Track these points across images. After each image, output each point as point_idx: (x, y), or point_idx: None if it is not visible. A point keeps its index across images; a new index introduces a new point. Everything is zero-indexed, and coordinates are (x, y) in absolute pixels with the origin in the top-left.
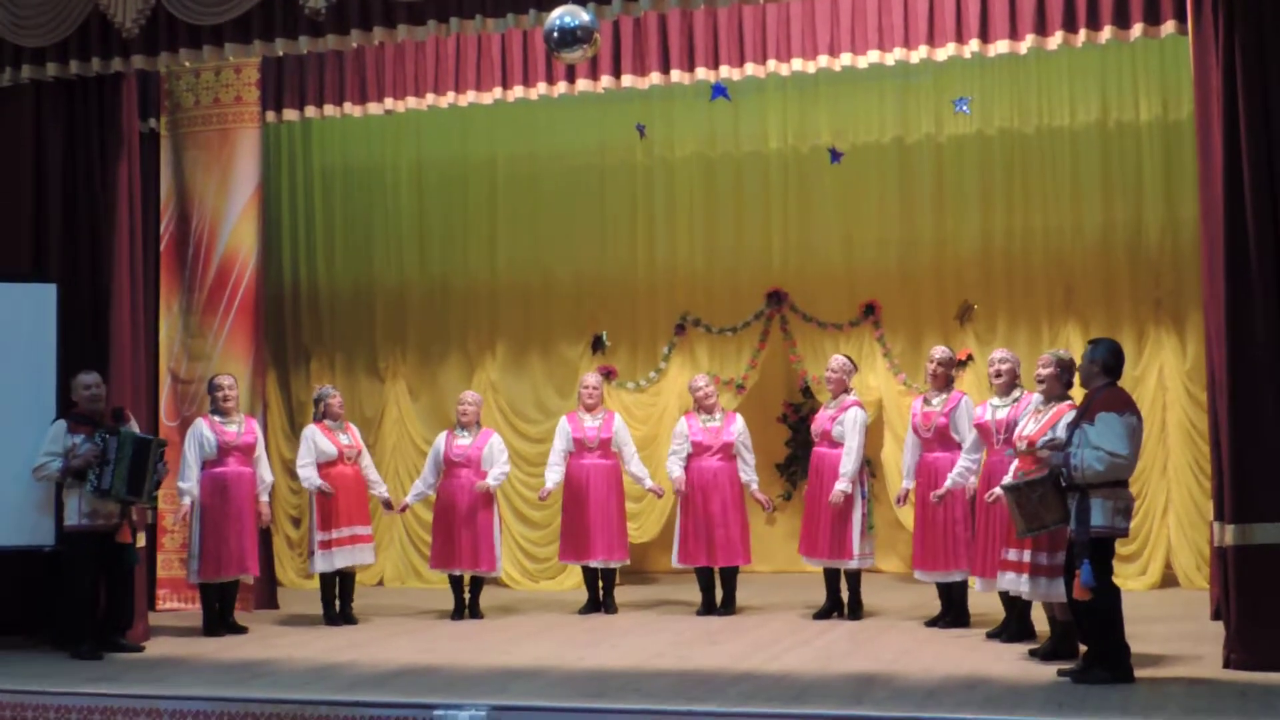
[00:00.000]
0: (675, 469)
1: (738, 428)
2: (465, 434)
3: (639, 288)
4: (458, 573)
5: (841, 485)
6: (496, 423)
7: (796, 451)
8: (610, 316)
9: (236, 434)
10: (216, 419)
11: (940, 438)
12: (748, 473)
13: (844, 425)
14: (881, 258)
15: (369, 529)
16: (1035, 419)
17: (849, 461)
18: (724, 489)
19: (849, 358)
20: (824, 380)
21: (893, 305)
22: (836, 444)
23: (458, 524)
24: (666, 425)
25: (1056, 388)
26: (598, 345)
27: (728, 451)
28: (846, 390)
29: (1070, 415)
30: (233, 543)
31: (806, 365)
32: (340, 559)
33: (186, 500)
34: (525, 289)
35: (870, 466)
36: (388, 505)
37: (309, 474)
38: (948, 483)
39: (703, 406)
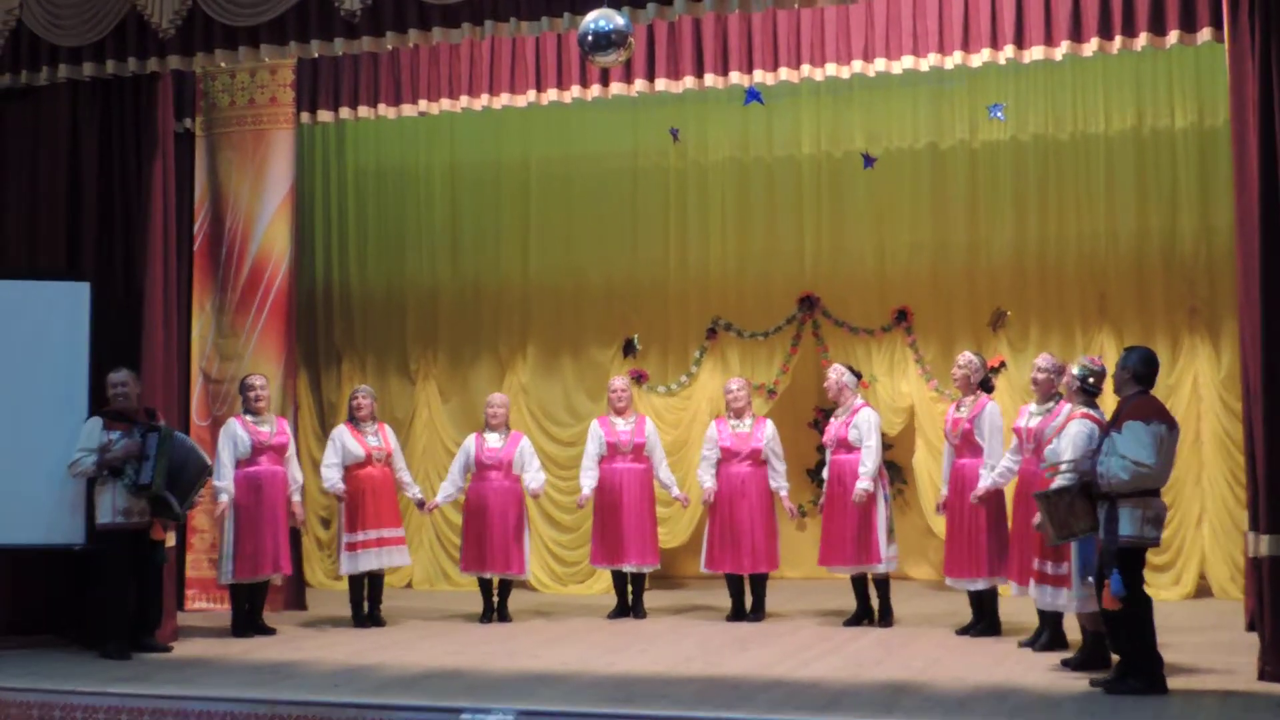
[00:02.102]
0: (706, 478)
1: (767, 433)
2: (496, 436)
3: (670, 291)
4: (488, 575)
5: (863, 484)
6: (527, 426)
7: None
8: (641, 320)
9: (269, 434)
10: (249, 419)
11: (967, 443)
12: (777, 479)
13: (859, 428)
14: (914, 263)
15: (399, 531)
16: (1031, 419)
17: (869, 459)
18: (752, 495)
19: (849, 367)
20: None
21: (925, 311)
22: (854, 448)
23: (490, 526)
24: (697, 430)
25: (1049, 390)
26: (629, 349)
27: (756, 457)
28: (852, 396)
29: (1080, 425)
30: (268, 541)
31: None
32: (366, 561)
33: (224, 498)
34: (556, 292)
35: (900, 472)
36: (420, 505)
37: (331, 475)
38: (985, 482)
39: (733, 410)
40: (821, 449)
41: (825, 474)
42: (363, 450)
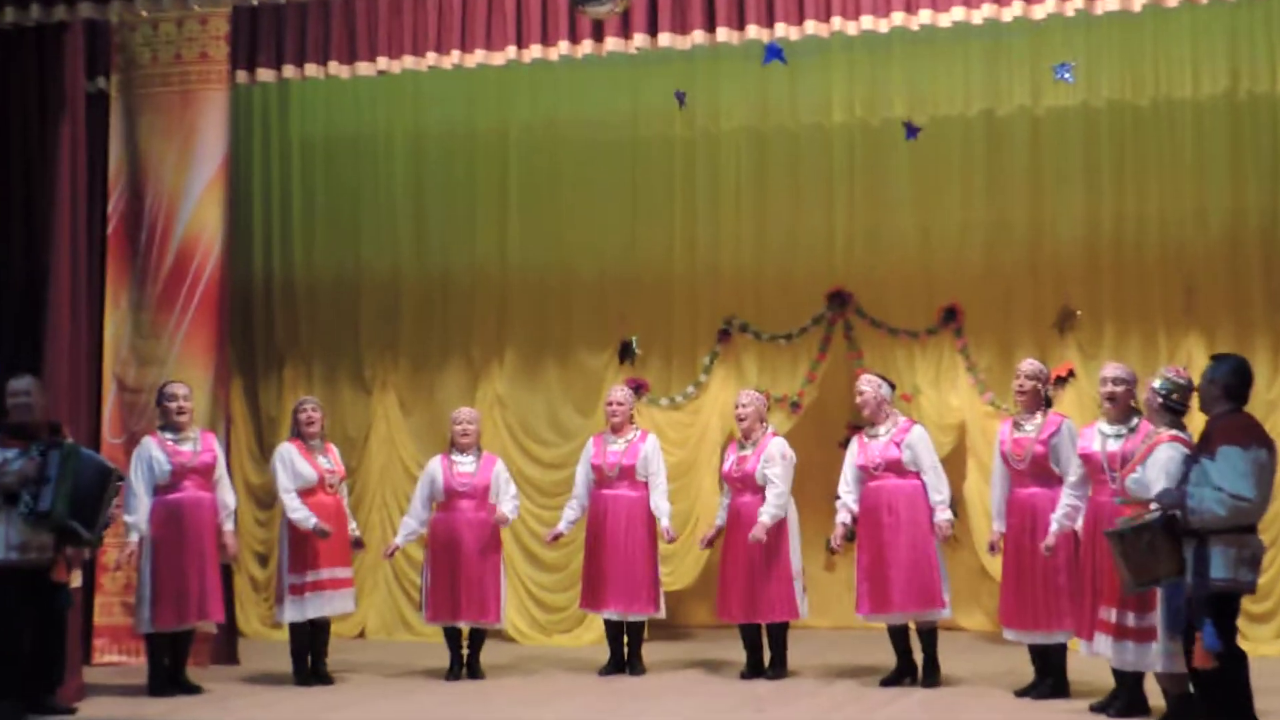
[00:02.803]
0: (721, 514)
1: (764, 453)
2: (467, 459)
3: (676, 286)
4: (458, 625)
5: (947, 514)
6: (504, 445)
7: None
8: (642, 319)
9: (192, 453)
10: (168, 436)
11: (1037, 470)
12: (764, 506)
13: (914, 448)
14: (965, 252)
15: (350, 571)
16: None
17: (941, 484)
18: (748, 525)
19: (882, 376)
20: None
21: (979, 309)
22: (906, 472)
23: (461, 566)
24: (707, 450)
25: (1126, 406)
26: (626, 353)
27: (754, 485)
28: (890, 411)
29: (1171, 450)
30: (194, 582)
31: None
32: (315, 607)
33: (135, 536)
34: (541, 285)
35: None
36: (358, 544)
37: (296, 505)
38: (1053, 527)
39: (741, 428)
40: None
41: (848, 504)
42: (314, 473)
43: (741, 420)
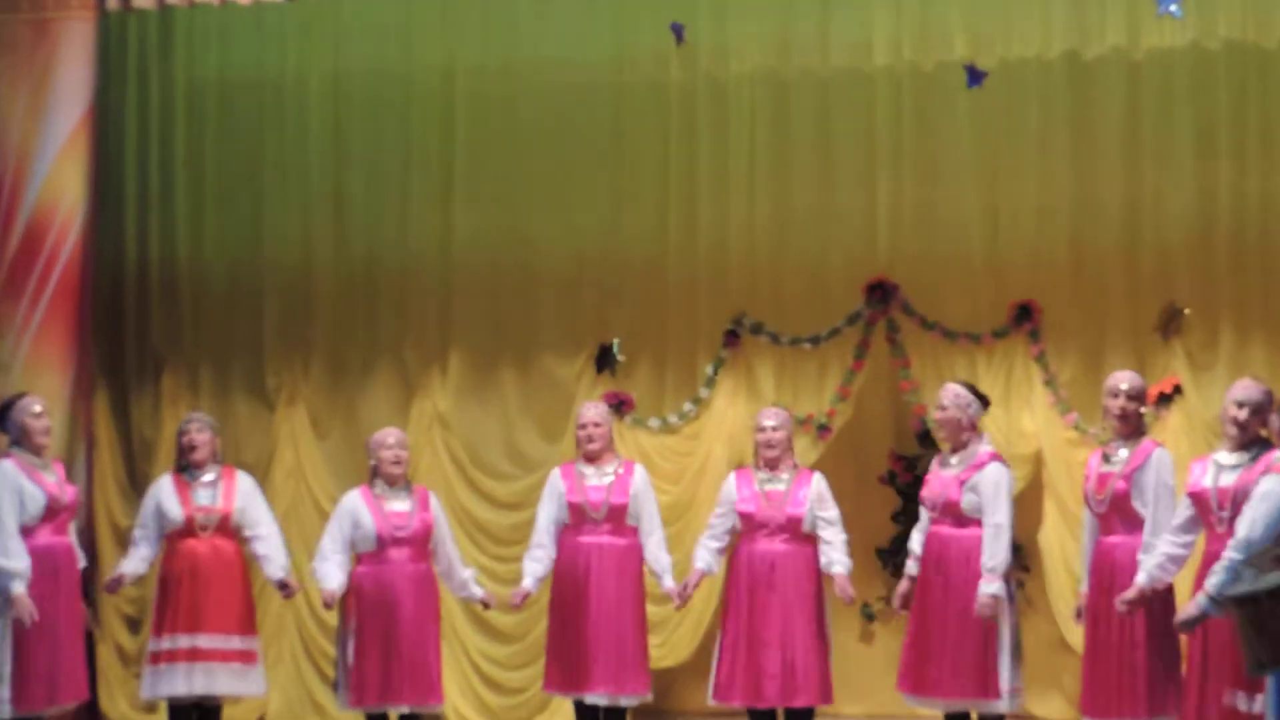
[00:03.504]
0: (704, 557)
1: (812, 493)
2: (399, 496)
3: (671, 274)
4: (404, 710)
5: (992, 589)
6: (446, 476)
7: (909, 531)
8: (626, 317)
9: (58, 486)
10: (31, 461)
11: (1119, 513)
12: (831, 553)
13: (979, 491)
14: (1044, 234)
15: (250, 641)
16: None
17: (998, 547)
18: (790, 587)
19: (971, 386)
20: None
21: (1060, 307)
22: (967, 521)
23: (399, 634)
24: (709, 486)
25: (1254, 432)
26: (606, 361)
27: (797, 529)
28: (974, 436)
29: (1272, 483)
30: (66, 652)
31: (926, 396)
32: (172, 682)
33: (19, 587)
34: (495, 273)
35: (1020, 554)
36: (284, 589)
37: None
38: (1140, 579)
39: (765, 459)
40: (899, 518)
41: (914, 550)
42: (180, 513)
43: (770, 448)
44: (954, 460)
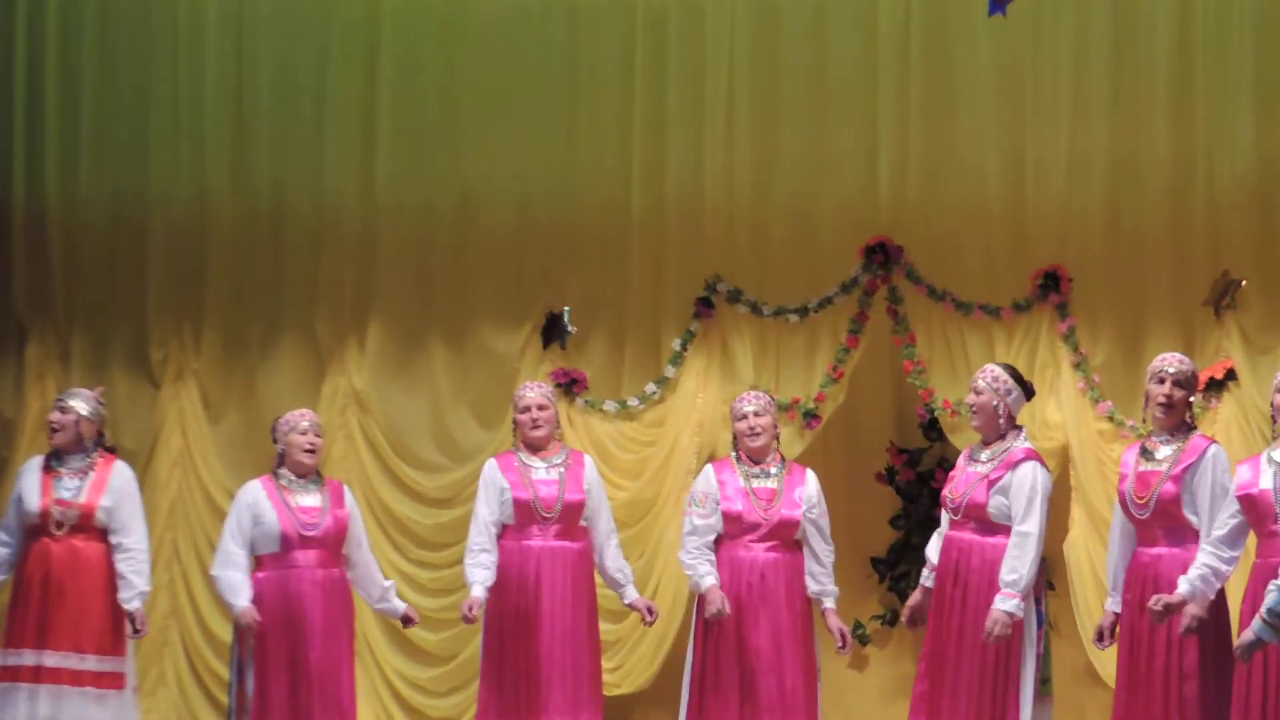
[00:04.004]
0: (698, 567)
1: (809, 493)
2: (308, 489)
3: (633, 232)
4: None
5: (1007, 605)
6: (363, 467)
7: (910, 537)
8: (579, 281)
9: None
10: None
11: (1164, 519)
12: (818, 580)
13: (1010, 494)
14: (1076, 190)
15: (112, 662)
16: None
17: (1022, 559)
18: (778, 602)
19: (1013, 370)
20: (964, 408)
21: (1094, 276)
22: (993, 528)
23: (307, 652)
24: (674, 482)
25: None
26: (554, 331)
27: (788, 535)
28: (1011, 427)
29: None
30: None
31: (933, 379)
32: (28, 705)
33: None
34: (424, 225)
35: (1043, 567)
36: (132, 623)
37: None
38: (1182, 587)
39: (748, 449)
40: (899, 523)
41: (931, 559)
42: (36, 504)
43: (755, 436)
44: (984, 456)
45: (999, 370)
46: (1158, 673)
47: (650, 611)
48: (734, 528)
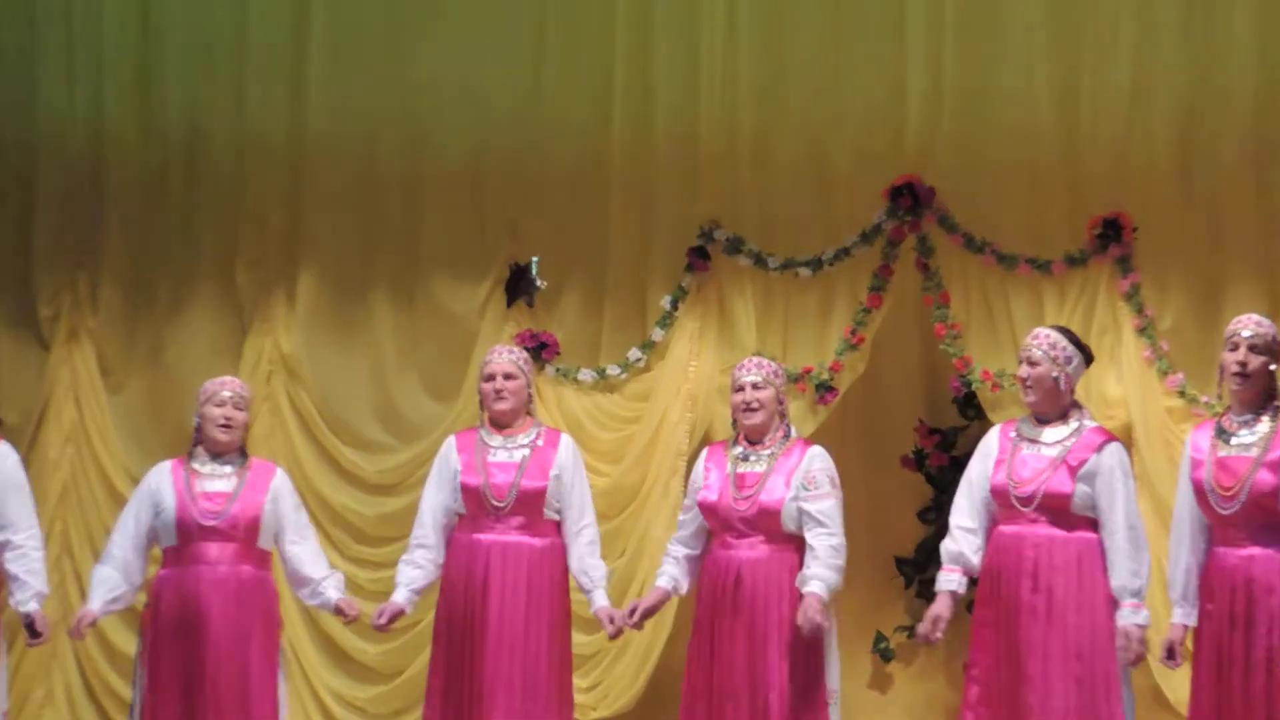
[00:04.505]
0: (669, 570)
1: (799, 473)
2: (221, 469)
3: (614, 168)
4: None
5: (1140, 618)
6: (292, 446)
7: (943, 534)
8: (550, 228)
9: None
10: None
11: (1259, 514)
12: (812, 563)
13: (1097, 482)
14: (1142, 124)
15: None
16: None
17: (1141, 562)
18: (762, 612)
19: (1071, 334)
20: (1009, 380)
21: (1161, 224)
22: (1076, 521)
23: (206, 659)
24: (661, 465)
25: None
26: (520, 286)
27: (774, 528)
28: (1073, 405)
29: None
30: None
31: (971, 346)
32: None
33: None
34: (364, 158)
35: None
36: (31, 628)
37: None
38: None
39: (744, 428)
40: (929, 516)
41: (965, 557)
42: None
43: (749, 412)
44: (1047, 437)
45: (1055, 335)
46: (1256, 697)
47: (612, 621)
48: (712, 522)
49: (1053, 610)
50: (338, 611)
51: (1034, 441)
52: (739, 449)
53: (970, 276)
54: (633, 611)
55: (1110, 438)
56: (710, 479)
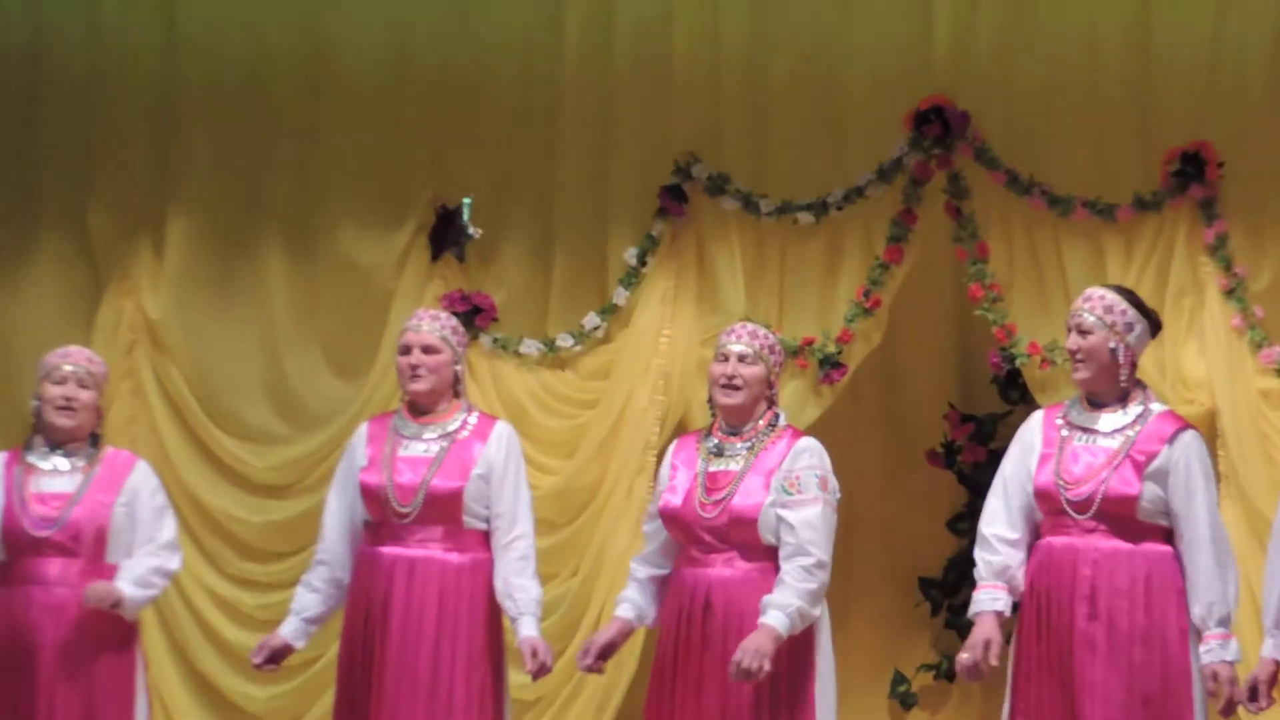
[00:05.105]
0: (630, 595)
1: (781, 471)
2: (62, 464)
3: (565, 85)
4: None
5: (1229, 653)
6: (158, 433)
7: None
8: (485, 160)
9: None
10: None
11: None
12: (777, 590)
13: (1170, 482)
14: (1229, 31)
15: None
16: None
17: (1228, 582)
18: (734, 642)
19: (1131, 294)
20: (1060, 354)
21: (1254, 157)
22: (1143, 530)
23: (42, 711)
24: (625, 461)
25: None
26: (448, 232)
27: (750, 540)
28: (1135, 384)
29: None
30: None
31: (1015, 311)
32: None
33: None
34: (253, 76)
35: None
36: None
37: None
38: None
39: (720, 409)
40: (960, 526)
41: (1008, 571)
42: None
43: (729, 390)
44: (1105, 425)
45: (1111, 296)
46: None
47: (535, 656)
48: (676, 532)
49: (1115, 643)
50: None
51: (1088, 431)
52: (713, 441)
53: (1014, 224)
54: (586, 651)
55: (1184, 425)
56: (677, 479)
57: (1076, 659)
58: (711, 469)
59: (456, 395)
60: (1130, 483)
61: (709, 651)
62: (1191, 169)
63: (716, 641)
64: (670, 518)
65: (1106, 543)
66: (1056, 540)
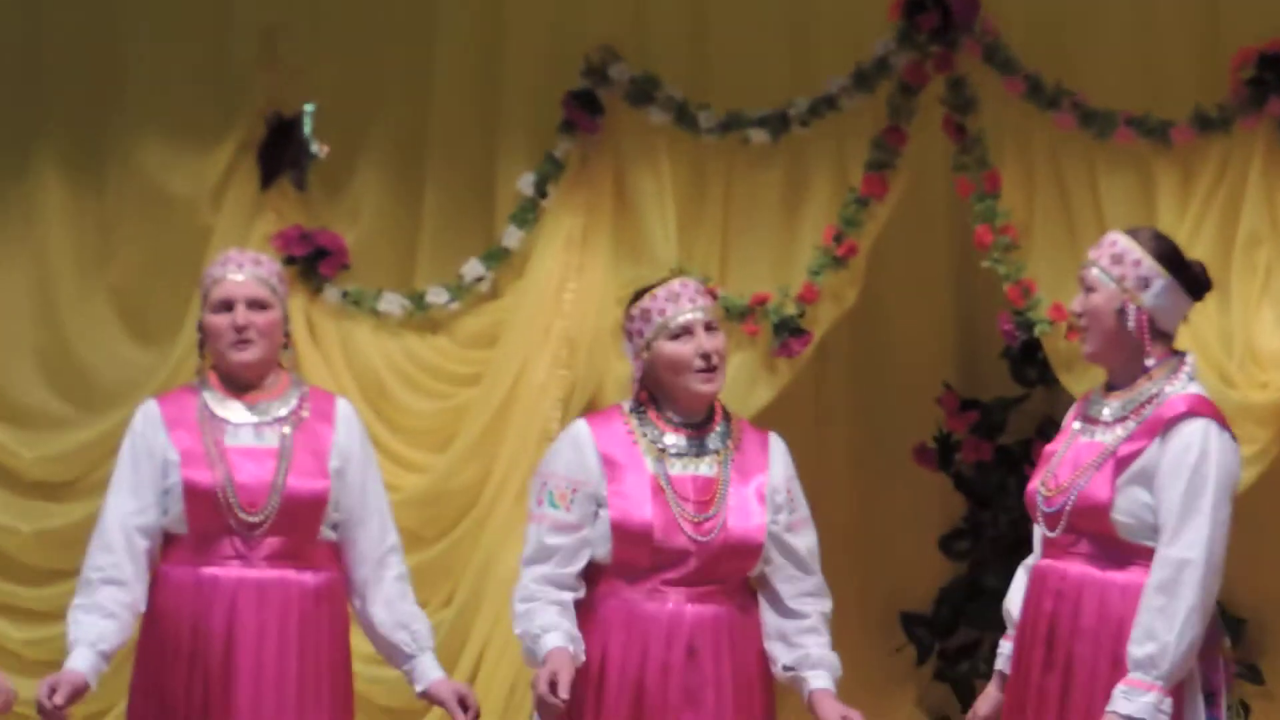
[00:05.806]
0: (535, 616)
1: (777, 482)
2: None
3: None
4: None
5: (1132, 705)
6: None
7: (981, 575)
8: (332, 57)
9: None
10: None
11: None
12: (793, 642)
13: (1156, 484)
14: None
15: None
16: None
17: (1171, 618)
18: (722, 700)
19: (1159, 237)
20: (1071, 322)
21: None
22: (1127, 551)
23: None
24: (517, 454)
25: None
26: (284, 150)
27: (737, 573)
28: (1165, 352)
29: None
30: None
31: (1034, 263)
32: None
33: None
34: None
35: (1243, 630)
36: None
37: None
38: None
39: (688, 397)
40: (963, 547)
41: (1012, 614)
42: None
43: (708, 374)
44: (1109, 413)
45: (1126, 242)
46: None
47: (464, 703)
48: (638, 555)
49: (1071, 698)
50: None
51: (1092, 422)
52: (654, 431)
53: (1035, 147)
54: (553, 686)
55: (1194, 410)
56: (626, 483)
57: (1030, 707)
58: (674, 472)
59: (281, 365)
60: (1103, 488)
61: (688, 707)
62: (1271, 76)
63: (707, 696)
64: (637, 538)
65: (1076, 568)
66: (1043, 563)
